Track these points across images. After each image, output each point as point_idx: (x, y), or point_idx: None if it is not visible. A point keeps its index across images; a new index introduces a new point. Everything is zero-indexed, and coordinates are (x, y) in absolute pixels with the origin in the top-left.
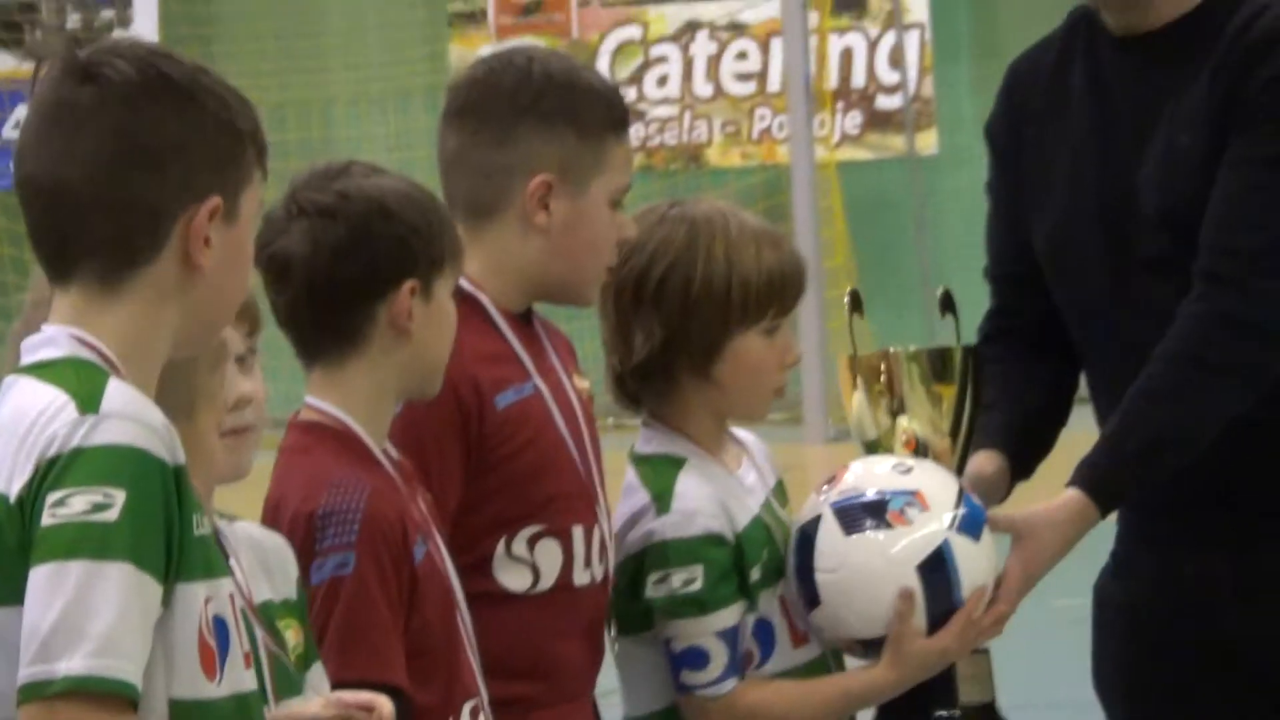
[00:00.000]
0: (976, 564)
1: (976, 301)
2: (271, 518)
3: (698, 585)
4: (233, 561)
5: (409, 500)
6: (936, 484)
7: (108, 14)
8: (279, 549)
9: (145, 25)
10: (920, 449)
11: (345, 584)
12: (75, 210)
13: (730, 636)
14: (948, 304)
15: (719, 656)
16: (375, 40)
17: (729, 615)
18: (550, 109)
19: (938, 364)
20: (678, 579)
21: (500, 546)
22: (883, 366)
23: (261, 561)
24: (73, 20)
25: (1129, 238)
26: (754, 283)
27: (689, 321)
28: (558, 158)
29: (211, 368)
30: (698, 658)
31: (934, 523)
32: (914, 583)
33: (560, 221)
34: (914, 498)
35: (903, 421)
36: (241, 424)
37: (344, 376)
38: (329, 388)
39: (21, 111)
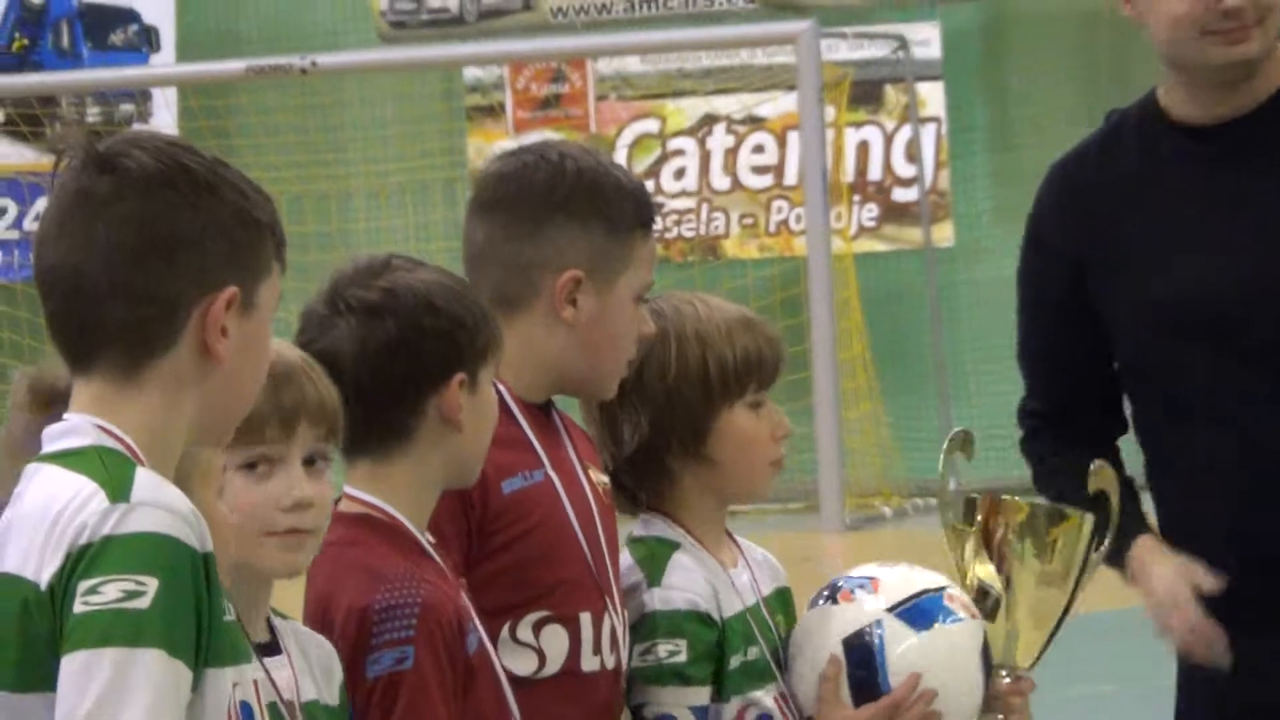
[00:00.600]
0: (914, 655)
1: (993, 391)
2: (321, 611)
3: (681, 658)
4: (283, 656)
5: (457, 589)
6: (899, 577)
7: (127, 108)
8: (325, 653)
9: (165, 119)
10: (989, 599)
11: (405, 679)
12: (93, 299)
13: (701, 714)
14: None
15: None
16: (393, 134)
17: (704, 693)
18: (581, 206)
19: (1045, 525)
20: (663, 649)
21: (505, 631)
22: (990, 519)
23: (306, 661)
24: (92, 114)
25: (1241, 323)
26: (729, 360)
27: (673, 406)
28: (587, 254)
29: None
30: None
31: (874, 604)
32: (839, 654)
33: (587, 317)
34: (869, 582)
35: (980, 570)
36: (301, 526)
37: (389, 470)
38: (374, 480)
39: (42, 204)
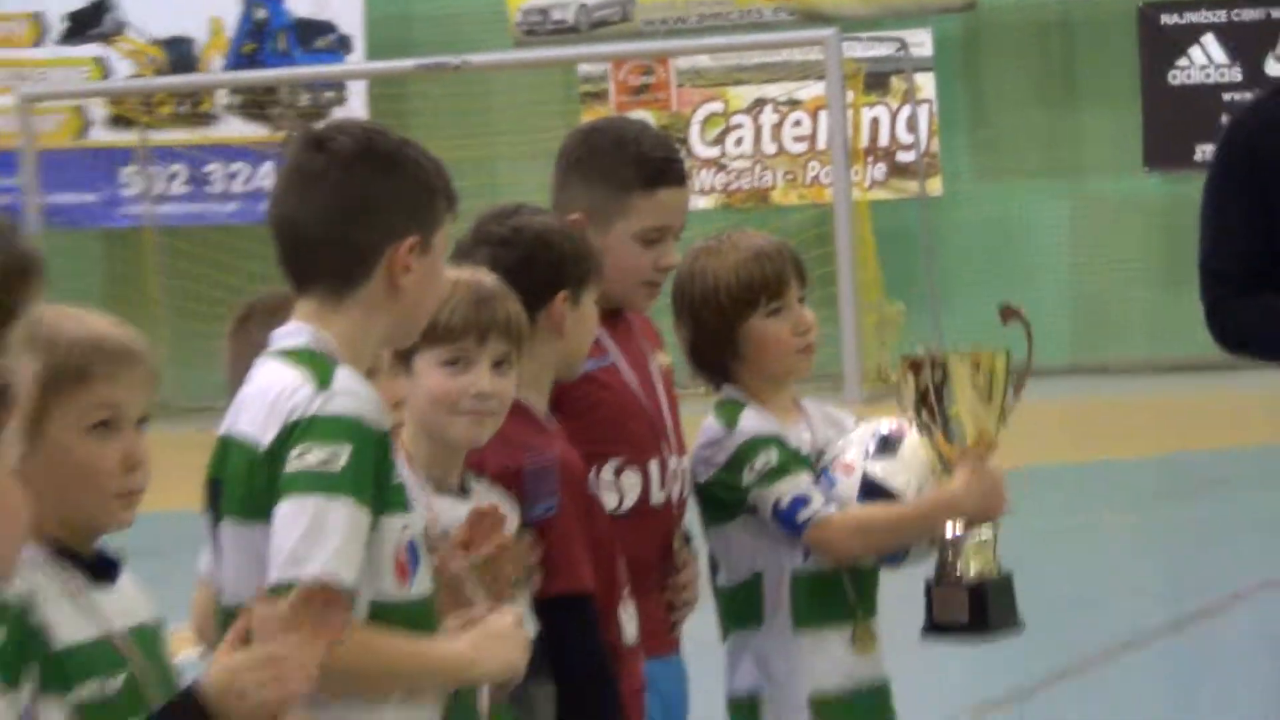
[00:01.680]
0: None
1: (969, 302)
2: (474, 473)
3: (774, 459)
4: (470, 502)
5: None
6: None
7: (329, 95)
8: (505, 505)
9: (356, 104)
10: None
11: (553, 523)
12: (309, 245)
13: (816, 487)
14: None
15: (817, 496)
16: (527, 114)
17: (809, 476)
18: (587, 166)
19: (974, 363)
20: (760, 461)
21: (592, 474)
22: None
23: None
24: (303, 101)
25: None
26: (734, 284)
27: (700, 324)
28: (586, 202)
29: None
30: (801, 502)
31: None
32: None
33: None
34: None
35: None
36: (483, 409)
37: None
38: None
39: (265, 167)
